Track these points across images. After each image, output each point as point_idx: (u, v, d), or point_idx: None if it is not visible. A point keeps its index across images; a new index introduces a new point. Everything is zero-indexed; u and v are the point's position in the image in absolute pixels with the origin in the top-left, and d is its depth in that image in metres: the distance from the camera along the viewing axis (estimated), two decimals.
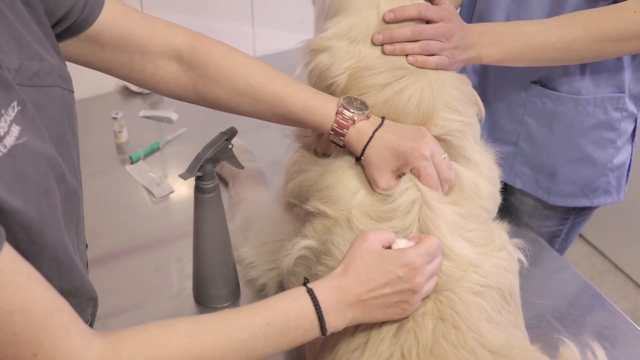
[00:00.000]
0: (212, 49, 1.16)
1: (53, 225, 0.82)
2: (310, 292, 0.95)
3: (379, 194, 1.14)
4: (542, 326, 1.34)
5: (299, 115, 1.17)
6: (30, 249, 0.79)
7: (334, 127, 1.15)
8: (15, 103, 0.77)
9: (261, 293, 1.38)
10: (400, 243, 1.02)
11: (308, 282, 0.98)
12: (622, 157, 1.56)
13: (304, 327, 0.94)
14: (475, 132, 1.26)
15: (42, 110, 0.85)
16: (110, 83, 2.09)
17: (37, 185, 0.79)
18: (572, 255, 3.10)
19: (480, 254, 1.11)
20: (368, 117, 1.16)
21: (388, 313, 1.00)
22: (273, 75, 1.17)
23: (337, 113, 1.15)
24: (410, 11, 1.22)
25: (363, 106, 1.16)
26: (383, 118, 1.17)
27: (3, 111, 0.75)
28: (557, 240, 1.69)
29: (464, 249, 1.10)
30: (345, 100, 1.16)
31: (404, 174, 1.14)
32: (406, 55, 1.21)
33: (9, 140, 0.75)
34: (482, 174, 1.22)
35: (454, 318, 1.02)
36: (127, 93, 2.09)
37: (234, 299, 1.38)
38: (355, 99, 1.17)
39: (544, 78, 1.48)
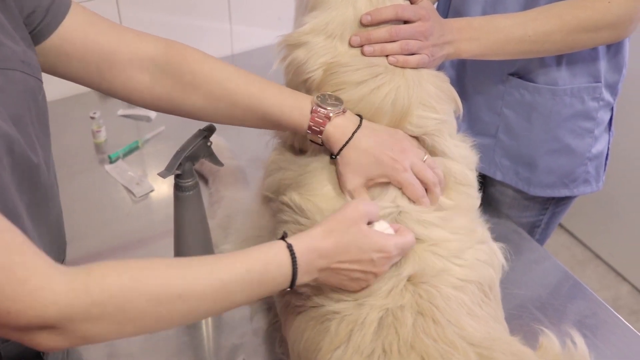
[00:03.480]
0: (186, 54, 1.16)
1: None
2: (290, 248, 0.96)
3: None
4: (523, 316, 1.35)
5: (276, 116, 1.16)
6: None
7: (311, 125, 1.14)
8: None
9: None
10: (382, 225, 1.05)
11: (287, 236, 0.99)
12: (600, 147, 1.57)
13: (278, 281, 0.96)
14: (452, 128, 1.26)
15: (1, 92, 0.87)
16: None
17: None
18: (552, 245, 3.12)
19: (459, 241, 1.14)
20: (344, 112, 1.16)
21: (344, 284, 1.03)
22: (249, 78, 1.17)
23: (312, 111, 1.14)
24: (387, 12, 1.21)
25: (338, 102, 1.16)
26: (361, 118, 1.17)
27: None
28: (537, 231, 1.70)
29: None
30: (319, 99, 1.15)
31: (375, 184, 1.15)
32: (386, 55, 1.21)
33: None
34: (461, 163, 1.23)
35: (433, 312, 1.03)
36: None
37: None
38: (330, 96, 1.16)
39: (521, 70, 1.49)
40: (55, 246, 1.03)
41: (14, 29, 0.94)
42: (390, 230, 1.05)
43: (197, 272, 0.88)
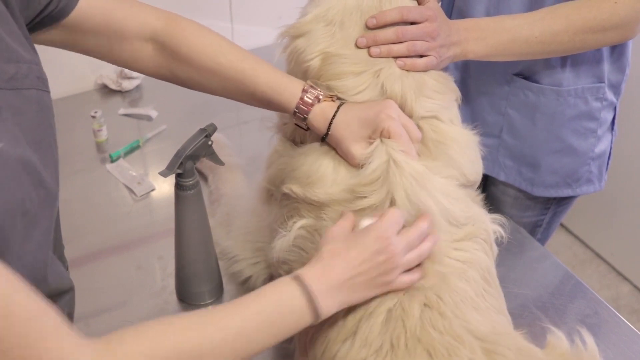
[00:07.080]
0: (184, 27, 1.18)
1: (23, 232, 0.81)
2: (297, 277, 0.95)
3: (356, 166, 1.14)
4: (524, 316, 1.35)
5: (266, 94, 1.17)
6: None
7: (299, 104, 1.16)
8: None
9: (245, 286, 1.37)
10: (365, 222, 1.05)
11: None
12: (602, 146, 1.57)
13: (296, 314, 0.94)
14: (453, 115, 1.25)
15: (20, 114, 0.83)
16: (89, 81, 2.08)
17: (10, 193, 0.77)
18: (553, 245, 3.12)
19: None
20: (333, 99, 1.17)
21: (372, 290, 1.01)
22: (243, 55, 1.19)
23: (303, 91, 1.16)
24: (392, 15, 1.21)
25: (328, 90, 1.18)
26: (344, 100, 1.18)
27: None
28: (539, 230, 1.70)
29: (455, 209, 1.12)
30: (311, 82, 1.18)
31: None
32: (394, 58, 1.21)
33: None
34: (459, 141, 1.22)
35: (439, 305, 1.02)
36: (106, 91, 2.07)
37: (217, 295, 1.37)
38: (321, 85, 1.19)
39: (525, 71, 1.49)
40: None
41: (24, 36, 0.91)
42: (374, 220, 1.05)
43: (212, 329, 0.87)
